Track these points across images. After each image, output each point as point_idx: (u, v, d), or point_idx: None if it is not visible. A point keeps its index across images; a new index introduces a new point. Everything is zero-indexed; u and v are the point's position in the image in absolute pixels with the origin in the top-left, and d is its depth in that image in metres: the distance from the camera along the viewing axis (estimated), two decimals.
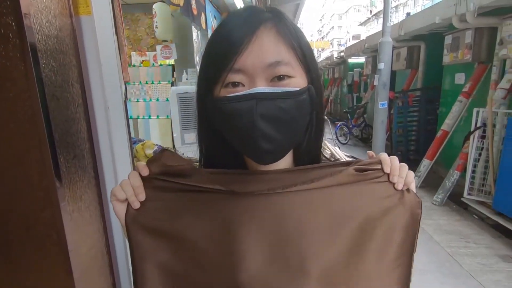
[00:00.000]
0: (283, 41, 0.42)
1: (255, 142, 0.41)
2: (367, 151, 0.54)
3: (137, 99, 3.85)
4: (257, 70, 0.41)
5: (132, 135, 1.78)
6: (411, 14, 5.78)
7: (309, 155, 0.51)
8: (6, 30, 0.81)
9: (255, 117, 0.40)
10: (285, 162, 0.49)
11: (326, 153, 0.55)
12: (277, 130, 0.41)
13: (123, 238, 1.22)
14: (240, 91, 0.41)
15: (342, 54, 10.71)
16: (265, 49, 0.41)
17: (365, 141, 7.26)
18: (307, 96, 0.43)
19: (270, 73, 0.41)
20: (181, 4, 2.44)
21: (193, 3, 2.85)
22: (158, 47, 3.56)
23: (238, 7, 4.11)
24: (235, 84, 0.42)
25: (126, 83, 1.50)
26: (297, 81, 0.43)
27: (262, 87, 0.41)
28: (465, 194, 3.35)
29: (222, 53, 0.42)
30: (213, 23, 3.69)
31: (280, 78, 0.42)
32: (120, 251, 1.23)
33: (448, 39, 4.21)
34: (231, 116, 0.41)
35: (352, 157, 0.59)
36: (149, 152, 1.90)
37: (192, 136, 3.43)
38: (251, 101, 0.40)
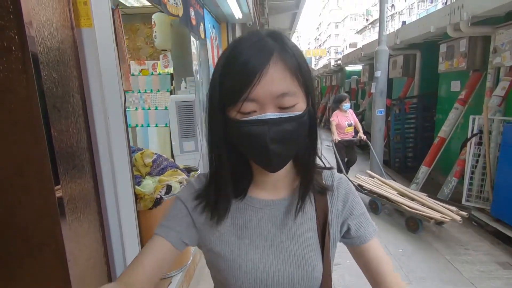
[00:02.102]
0: (289, 73, 0.50)
1: (267, 159, 0.51)
2: None
3: (136, 108, 3.87)
4: (268, 100, 0.49)
5: (131, 143, 1.78)
6: (406, 22, 5.88)
7: (305, 161, 0.59)
8: (9, 42, 0.82)
9: (267, 140, 0.49)
10: (285, 169, 0.57)
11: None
12: (284, 147, 0.51)
13: (122, 248, 1.22)
14: (253, 116, 0.50)
15: (339, 62, 10.81)
16: (275, 81, 0.49)
17: (364, 148, 7.28)
18: (307, 117, 0.52)
19: (278, 102, 0.49)
20: (180, 14, 2.48)
21: (192, 13, 2.89)
22: (161, 56, 3.60)
23: (236, 18, 4.17)
24: (248, 112, 0.50)
25: (125, 92, 1.51)
26: (300, 106, 0.51)
27: (271, 113, 0.49)
28: (463, 201, 3.35)
29: (238, 85, 0.49)
30: (211, 33, 3.74)
31: (286, 107, 0.50)
32: (119, 261, 1.23)
33: (443, 48, 4.28)
34: (246, 137, 0.50)
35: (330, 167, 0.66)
36: (148, 161, 1.90)
37: (191, 145, 3.43)
38: (263, 126, 0.49)
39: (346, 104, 4.26)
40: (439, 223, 2.89)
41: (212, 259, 0.60)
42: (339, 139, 4.20)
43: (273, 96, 0.49)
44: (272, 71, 0.48)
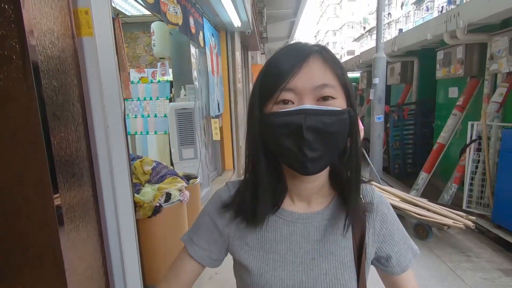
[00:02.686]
0: (329, 68, 0.49)
1: (302, 150, 0.47)
2: None
3: (135, 115, 3.87)
4: (306, 91, 0.48)
5: (130, 151, 1.78)
6: (403, 30, 5.95)
7: (349, 179, 0.55)
8: (10, 51, 0.82)
9: (304, 129, 0.46)
10: (321, 180, 0.56)
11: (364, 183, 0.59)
12: (320, 141, 0.48)
13: (121, 258, 1.20)
14: (290, 108, 0.48)
15: None
16: (314, 73, 0.48)
17: (362, 155, 7.29)
18: (347, 117, 0.50)
19: (317, 94, 0.48)
20: (180, 23, 2.50)
21: (192, 21, 2.92)
22: (159, 64, 3.63)
23: (235, 26, 4.21)
24: (285, 102, 0.48)
25: (125, 99, 1.51)
26: (339, 102, 0.49)
27: (309, 105, 0.47)
28: (463, 207, 3.34)
29: (277, 75, 0.49)
30: (210, 41, 3.77)
31: (325, 98, 0.48)
32: (118, 271, 1.21)
33: (440, 55, 4.33)
34: (282, 128, 0.48)
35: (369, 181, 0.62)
36: (148, 168, 1.89)
37: (190, 152, 3.43)
38: (301, 115, 0.47)
39: None
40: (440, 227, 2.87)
41: (239, 271, 0.59)
42: None
43: (312, 87, 0.48)
44: (311, 64, 0.48)
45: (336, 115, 0.48)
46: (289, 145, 0.48)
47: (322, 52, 0.50)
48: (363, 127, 4.35)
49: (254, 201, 0.55)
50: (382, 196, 0.61)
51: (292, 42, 0.55)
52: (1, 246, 0.90)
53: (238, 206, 0.56)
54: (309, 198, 0.57)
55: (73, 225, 1.00)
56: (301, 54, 0.49)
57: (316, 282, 0.53)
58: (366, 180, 0.60)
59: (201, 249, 0.59)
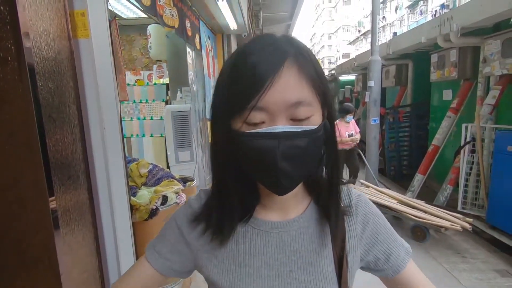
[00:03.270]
0: (305, 79, 0.43)
1: (276, 179, 0.43)
2: None
3: (131, 118, 3.85)
4: (279, 109, 0.42)
5: (126, 154, 1.77)
6: (397, 33, 6.02)
7: (327, 183, 0.51)
8: (5, 53, 0.82)
9: (277, 157, 0.41)
10: (297, 187, 0.51)
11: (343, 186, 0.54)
12: (296, 167, 0.43)
13: (117, 262, 1.19)
14: (261, 128, 0.42)
15: (333, 72, 10.98)
16: (288, 88, 0.41)
17: (358, 157, 7.33)
18: (322, 132, 0.45)
19: (291, 112, 0.42)
20: (176, 26, 2.51)
21: (188, 24, 2.92)
22: (155, 67, 3.62)
23: (232, 29, 4.23)
24: (255, 123, 0.43)
25: (121, 102, 1.51)
26: (315, 119, 0.44)
27: (282, 126, 0.42)
28: (458, 208, 3.37)
29: (245, 90, 0.42)
30: (207, 44, 3.77)
31: (301, 119, 0.43)
32: (113, 274, 1.20)
33: (434, 58, 4.38)
34: (253, 152, 0.43)
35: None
36: (144, 171, 1.88)
37: (186, 155, 3.42)
38: (273, 140, 0.42)
39: (350, 117, 4.27)
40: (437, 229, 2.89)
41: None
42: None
43: (286, 105, 0.42)
44: (286, 76, 0.41)
45: (311, 135, 0.43)
46: (261, 171, 0.44)
47: (297, 57, 0.43)
48: (359, 129, 4.36)
49: (220, 212, 0.51)
50: (361, 194, 0.57)
51: (261, 36, 0.47)
52: None
53: (207, 217, 0.52)
54: (284, 204, 0.52)
55: (69, 228, 0.99)
56: (274, 61, 0.42)
57: None
58: (344, 181, 0.55)
59: (162, 258, 0.54)
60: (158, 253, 0.55)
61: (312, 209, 0.53)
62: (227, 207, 0.50)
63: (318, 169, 0.51)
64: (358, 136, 4.30)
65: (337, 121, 4.31)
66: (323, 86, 0.45)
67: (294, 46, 0.44)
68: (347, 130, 4.28)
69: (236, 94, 0.43)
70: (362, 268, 0.56)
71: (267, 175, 0.44)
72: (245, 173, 0.48)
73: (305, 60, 0.44)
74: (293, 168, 0.43)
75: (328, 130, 0.47)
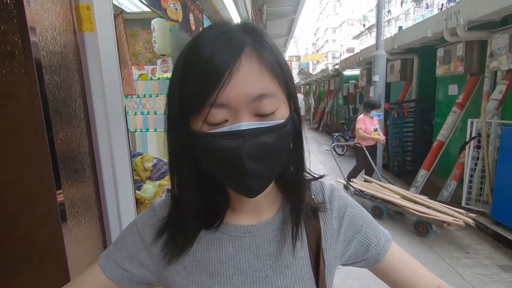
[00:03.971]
0: (266, 69, 0.39)
1: (244, 182, 0.40)
2: None
3: (135, 113, 3.87)
4: (242, 105, 0.38)
5: (130, 148, 1.78)
6: (402, 28, 5.94)
7: (292, 177, 0.48)
8: (12, 47, 0.82)
9: (243, 157, 0.38)
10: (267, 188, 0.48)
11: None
12: (265, 166, 0.40)
13: None
14: (224, 127, 0.39)
15: (337, 66, 10.90)
16: (249, 81, 0.38)
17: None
18: (290, 125, 0.42)
19: (254, 107, 0.39)
20: (180, 20, 2.50)
21: (191, 18, 2.91)
22: (159, 61, 3.62)
23: (236, 23, 4.20)
24: (217, 122, 0.39)
25: (127, 96, 1.51)
26: (281, 112, 0.41)
27: (247, 123, 0.38)
28: (463, 204, 3.36)
29: (202, 85, 0.38)
30: None
31: (265, 115, 0.40)
32: None
33: (440, 52, 4.33)
34: (217, 153, 0.39)
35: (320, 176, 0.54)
36: (149, 165, 1.89)
37: None
38: (238, 139, 0.38)
39: (374, 112, 4.18)
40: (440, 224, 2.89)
41: None
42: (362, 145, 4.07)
43: (248, 99, 0.38)
44: (245, 67, 0.38)
45: (279, 130, 0.40)
46: (227, 174, 0.41)
47: (256, 45, 0.39)
48: (359, 127, 4.26)
49: (175, 224, 0.47)
50: (334, 188, 0.54)
51: (214, 25, 0.43)
52: (4, 242, 0.90)
53: (171, 226, 0.48)
54: (255, 206, 0.49)
55: (76, 221, 1.00)
56: (230, 51, 0.38)
57: None
58: (316, 176, 0.52)
59: (119, 268, 0.49)
60: (114, 262, 0.50)
61: (286, 208, 0.50)
62: (181, 218, 0.46)
63: (288, 166, 0.48)
64: (383, 137, 4.21)
65: (361, 115, 4.18)
66: (286, 76, 0.42)
67: (251, 34, 0.40)
68: (373, 125, 4.17)
69: (192, 91, 0.39)
70: (343, 264, 0.54)
71: (234, 177, 0.40)
72: (209, 177, 0.44)
73: (265, 49, 0.40)
74: (262, 168, 0.40)
75: (296, 123, 0.44)
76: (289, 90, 0.43)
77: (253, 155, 0.38)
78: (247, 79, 0.38)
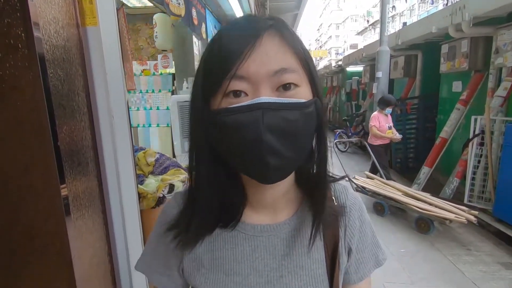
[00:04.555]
0: (289, 48, 0.39)
1: (261, 157, 0.38)
2: None
3: (138, 108, 3.87)
4: (262, 78, 0.38)
5: (133, 143, 1.79)
6: (407, 23, 5.88)
7: (316, 179, 0.47)
8: (16, 40, 0.82)
9: (261, 129, 0.36)
10: (286, 183, 0.47)
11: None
12: (284, 144, 0.38)
13: (125, 247, 1.22)
14: (244, 102, 0.38)
15: (340, 62, 10.83)
16: (270, 55, 0.38)
17: (364, 148, 7.29)
18: (313, 110, 0.41)
19: (275, 82, 0.38)
20: (182, 14, 2.49)
21: (194, 13, 2.90)
22: (159, 56, 3.61)
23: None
24: (237, 94, 0.38)
25: (129, 91, 1.51)
26: (303, 92, 0.40)
27: (267, 97, 0.37)
28: (465, 201, 3.35)
29: (223, 59, 0.38)
30: (213, 33, 3.74)
31: (286, 87, 0.39)
32: (123, 260, 1.23)
33: (444, 48, 4.29)
34: (234, 129, 0.38)
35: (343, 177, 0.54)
36: (151, 160, 1.90)
37: None
38: (256, 111, 0.37)
39: (390, 109, 4.02)
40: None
41: None
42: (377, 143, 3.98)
43: (269, 73, 0.38)
44: (267, 43, 0.38)
45: (301, 109, 0.39)
46: (245, 151, 0.38)
47: (279, 27, 0.40)
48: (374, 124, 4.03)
49: (191, 217, 0.46)
50: (357, 198, 0.53)
51: (241, 16, 0.44)
52: (8, 235, 0.92)
53: (185, 224, 0.48)
54: (273, 205, 0.48)
55: (79, 213, 1.01)
56: (252, 30, 0.39)
57: None
58: (338, 176, 0.51)
59: (164, 275, 0.52)
60: (158, 272, 0.52)
61: (305, 209, 0.49)
62: (199, 211, 0.46)
63: (309, 162, 0.47)
64: (399, 136, 4.06)
65: (376, 112, 4.07)
66: (309, 62, 0.42)
67: (277, 22, 0.42)
68: (387, 122, 4.04)
69: (214, 67, 0.40)
70: None
71: (252, 157, 0.38)
72: (227, 173, 0.45)
73: (289, 32, 0.41)
74: (282, 145, 0.38)
75: (320, 109, 0.42)
76: (311, 74, 0.42)
77: (272, 129, 0.37)
78: (268, 54, 0.38)
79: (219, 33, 0.42)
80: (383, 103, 4.02)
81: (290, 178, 0.47)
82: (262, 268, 0.47)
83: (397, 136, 4.05)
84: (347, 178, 3.99)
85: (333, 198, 0.51)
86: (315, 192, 0.47)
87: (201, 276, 0.48)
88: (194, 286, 0.50)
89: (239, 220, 0.48)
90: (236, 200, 0.48)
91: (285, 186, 0.47)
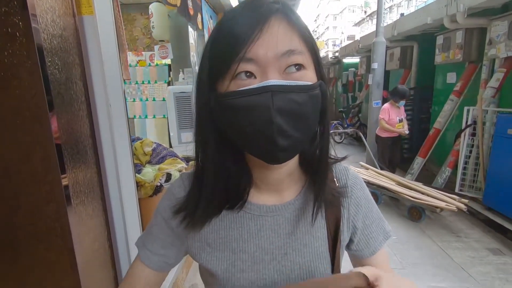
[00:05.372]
0: (296, 31, 0.41)
1: (272, 139, 0.39)
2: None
3: (134, 99, 3.87)
4: (270, 60, 0.39)
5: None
6: (405, 14, 5.88)
7: (316, 155, 0.49)
8: (13, 29, 0.84)
9: (272, 111, 0.37)
10: (291, 164, 0.48)
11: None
12: (293, 125, 0.39)
13: (125, 232, 1.26)
14: (253, 84, 0.39)
15: (337, 54, 10.80)
16: (278, 37, 0.39)
17: (360, 140, 7.35)
18: (319, 92, 0.42)
19: (283, 64, 0.39)
20: (178, 4, 2.47)
21: (190, 3, 2.88)
22: (156, 47, 3.59)
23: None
24: (246, 75, 0.39)
25: (124, 82, 1.52)
26: (310, 74, 0.42)
27: (275, 80, 0.38)
28: (456, 190, 3.43)
29: (232, 43, 0.39)
30: (209, 23, 3.72)
31: (294, 68, 0.40)
32: (122, 245, 1.26)
33: (439, 39, 4.31)
34: (244, 112, 0.39)
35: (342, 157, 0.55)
36: (148, 149, 1.93)
37: (189, 136, 3.45)
38: (266, 94, 0.37)
39: (402, 102, 3.87)
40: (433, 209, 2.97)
41: (204, 275, 0.53)
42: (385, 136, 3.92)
43: (277, 55, 0.39)
44: (275, 26, 0.39)
45: (308, 91, 0.40)
46: (255, 133, 0.39)
47: (286, 12, 0.41)
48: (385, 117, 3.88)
49: (197, 197, 0.47)
50: (358, 176, 0.56)
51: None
52: (11, 219, 0.95)
53: (192, 205, 0.48)
54: (278, 186, 0.50)
55: (79, 200, 1.04)
56: (260, 14, 0.39)
57: (289, 278, 0.48)
58: (339, 158, 0.53)
59: (156, 255, 0.53)
60: (151, 251, 0.53)
61: (308, 189, 0.51)
62: (203, 191, 0.47)
63: (313, 144, 0.48)
64: (406, 131, 3.97)
65: (387, 104, 3.90)
66: (314, 45, 0.43)
67: (282, 4, 0.42)
68: (398, 115, 3.89)
69: (222, 50, 0.40)
70: None
71: (261, 138, 0.39)
72: (233, 154, 0.46)
73: (295, 16, 0.42)
74: (290, 127, 0.39)
75: (324, 92, 0.43)
76: (317, 57, 0.43)
77: (282, 111, 0.38)
78: (276, 37, 0.39)
79: (225, 17, 0.43)
80: (397, 96, 3.82)
81: (295, 159, 0.48)
82: (268, 246, 0.49)
83: (406, 131, 3.94)
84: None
85: (335, 179, 0.53)
86: (317, 173, 0.48)
87: (206, 254, 0.50)
88: (200, 264, 0.52)
89: (245, 201, 0.49)
90: (242, 181, 0.48)
91: (290, 168, 0.48)
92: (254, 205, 0.50)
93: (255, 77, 0.40)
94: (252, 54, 0.38)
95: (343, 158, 0.54)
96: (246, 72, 0.39)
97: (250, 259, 0.49)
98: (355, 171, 0.58)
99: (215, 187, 0.46)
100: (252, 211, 0.50)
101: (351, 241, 0.55)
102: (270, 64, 0.39)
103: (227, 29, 0.41)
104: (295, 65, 0.40)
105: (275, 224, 0.50)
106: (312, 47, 0.43)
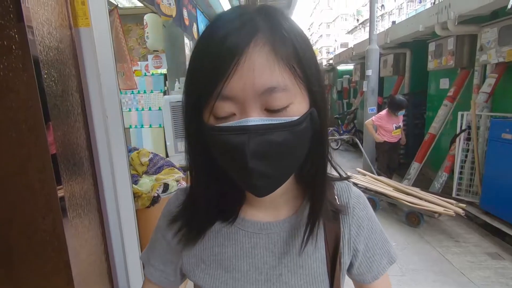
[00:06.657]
0: (279, 59, 0.35)
1: (249, 180, 0.37)
2: None
3: (129, 109, 3.86)
4: (249, 98, 0.35)
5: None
6: (396, 22, 5.99)
7: (312, 177, 0.45)
8: (9, 42, 0.84)
9: (247, 155, 0.35)
10: (284, 185, 0.44)
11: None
12: (272, 166, 0.37)
13: (122, 245, 1.24)
14: (231, 121, 0.36)
15: (331, 61, 10.94)
16: (257, 72, 0.34)
17: (356, 146, 7.38)
18: (307, 123, 0.38)
19: (263, 101, 0.36)
20: (174, 15, 2.50)
21: (185, 13, 2.91)
22: (150, 57, 3.61)
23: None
24: (224, 115, 0.37)
25: (126, 92, 1.52)
26: (296, 108, 0.37)
27: (254, 118, 0.35)
28: (453, 195, 3.45)
29: (207, 76, 0.36)
30: None
31: (275, 110, 0.36)
32: (119, 258, 1.24)
33: (431, 46, 4.39)
34: (222, 148, 0.37)
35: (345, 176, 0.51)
36: (145, 160, 1.91)
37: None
38: (242, 136, 0.35)
39: (402, 112, 3.83)
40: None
41: None
42: (382, 140, 3.91)
43: (256, 92, 0.35)
44: (254, 57, 0.34)
45: (291, 128, 0.36)
46: (234, 169, 0.38)
47: (271, 33, 0.36)
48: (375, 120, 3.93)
49: (191, 214, 0.48)
50: (361, 195, 0.52)
51: (232, 8, 0.40)
52: (7, 232, 0.93)
53: (185, 218, 0.49)
54: (273, 204, 0.48)
55: (76, 212, 1.03)
56: (240, 38, 0.35)
57: None
58: (343, 176, 0.50)
59: (157, 270, 0.54)
60: (153, 266, 0.54)
61: (306, 208, 0.47)
62: (195, 209, 0.47)
63: (308, 164, 0.45)
64: (403, 140, 3.99)
65: (383, 113, 3.88)
66: (306, 68, 0.38)
67: (268, 20, 0.37)
68: (395, 123, 3.87)
69: (201, 80, 0.37)
70: None
71: (240, 175, 0.38)
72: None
73: (280, 36, 0.36)
74: (268, 168, 0.37)
75: (315, 119, 0.39)
76: (310, 83, 0.38)
77: (258, 154, 0.35)
78: (254, 70, 0.34)
79: (204, 34, 0.38)
80: (394, 107, 3.78)
81: (289, 179, 0.45)
82: (262, 266, 0.47)
83: (402, 139, 3.95)
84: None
85: (336, 197, 0.50)
86: (314, 191, 0.46)
87: (200, 271, 0.49)
88: (194, 281, 0.51)
89: (237, 216, 0.48)
90: (235, 196, 0.47)
91: (283, 188, 0.44)
92: (249, 222, 0.48)
93: (234, 114, 0.37)
94: (229, 92, 0.35)
95: (346, 178, 0.51)
96: (224, 115, 0.37)
97: (243, 278, 0.47)
98: (352, 177, 0.56)
99: (207, 201, 0.46)
100: (246, 227, 0.48)
101: (351, 264, 0.51)
102: (249, 101, 0.35)
103: (202, 53, 0.38)
104: (276, 108, 0.36)
105: (270, 242, 0.47)
106: (302, 72, 0.37)
